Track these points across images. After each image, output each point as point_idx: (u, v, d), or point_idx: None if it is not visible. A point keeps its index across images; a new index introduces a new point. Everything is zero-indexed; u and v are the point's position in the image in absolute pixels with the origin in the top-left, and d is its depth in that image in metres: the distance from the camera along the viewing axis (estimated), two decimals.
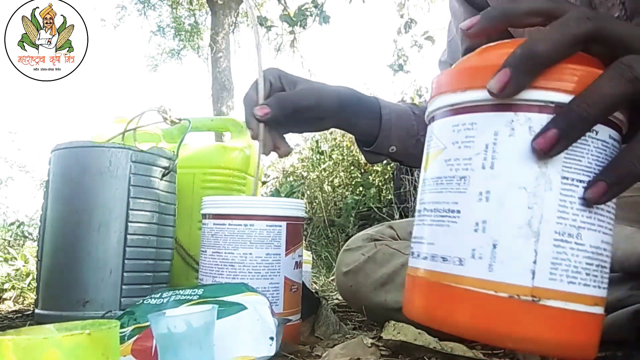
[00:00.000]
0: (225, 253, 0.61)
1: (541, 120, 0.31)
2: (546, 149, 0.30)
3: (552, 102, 0.31)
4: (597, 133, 0.31)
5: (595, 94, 0.30)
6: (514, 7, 0.34)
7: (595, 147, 0.31)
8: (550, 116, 0.30)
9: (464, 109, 0.33)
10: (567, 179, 0.30)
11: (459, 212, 0.32)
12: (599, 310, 0.31)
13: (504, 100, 0.31)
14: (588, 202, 0.30)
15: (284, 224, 0.62)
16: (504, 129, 0.31)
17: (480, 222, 0.31)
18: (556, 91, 0.31)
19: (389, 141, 0.75)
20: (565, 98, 0.30)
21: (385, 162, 3.47)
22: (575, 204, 0.30)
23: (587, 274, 0.30)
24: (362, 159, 3.62)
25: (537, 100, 0.31)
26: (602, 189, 0.30)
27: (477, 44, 0.67)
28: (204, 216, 0.65)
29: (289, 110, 0.65)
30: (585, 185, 0.30)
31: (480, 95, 0.32)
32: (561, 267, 0.30)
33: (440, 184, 0.33)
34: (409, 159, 0.79)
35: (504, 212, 0.30)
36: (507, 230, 0.30)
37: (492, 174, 0.31)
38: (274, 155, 0.67)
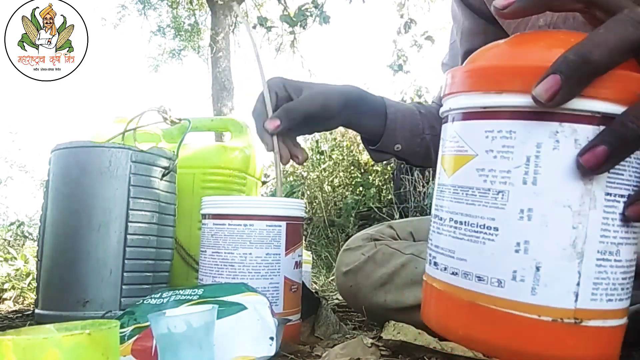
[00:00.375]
0: (225, 253, 0.61)
1: (587, 132, 0.28)
2: (594, 167, 0.27)
3: (598, 113, 0.28)
4: None
5: None
6: None
7: (635, 158, 0.29)
8: (597, 128, 0.28)
9: (500, 113, 0.30)
10: (611, 195, 0.29)
11: (496, 229, 0.30)
12: (625, 320, 0.31)
13: (549, 109, 0.28)
14: (628, 219, 0.29)
15: (283, 223, 0.62)
16: (547, 141, 0.29)
17: (522, 243, 0.29)
18: (605, 101, 0.28)
19: (394, 140, 0.75)
20: (615, 109, 0.28)
21: (386, 162, 3.47)
22: (616, 220, 0.29)
23: (622, 289, 0.30)
24: (362, 159, 3.62)
25: (584, 110, 0.28)
26: None
27: (476, 48, 0.67)
28: (204, 216, 0.65)
29: (299, 119, 0.66)
30: (625, 199, 0.29)
31: (520, 100, 0.29)
32: (601, 287, 0.29)
33: (471, 195, 0.31)
34: (415, 157, 0.79)
35: (547, 232, 0.29)
36: (551, 252, 0.29)
37: (534, 190, 0.29)
38: (273, 155, 0.68)
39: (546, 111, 0.29)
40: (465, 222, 0.31)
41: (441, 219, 0.34)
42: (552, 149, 0.29)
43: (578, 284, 0.29)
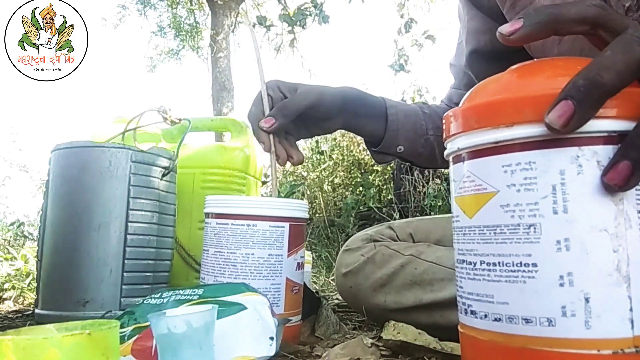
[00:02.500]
0: (227, 253, 0.61)
1: (607, 152, 0.28)
2: (620, 183, 0.27)
3: (615, 132, 0.28)
4: None
5: None
6: (563, 12, 0.31)
7: None
8: (616, 146, 0.28)
9: (514, 146, 0.30)
10: None
11: (535, 265, 0.29)
12: None
13: (564, 135, 0.28)
14: None
15: (286, 224, 0.62)
16: (570, 167, 0.28)
17: (566, 275, 0.28)
18: (619, 119, 0.28)
19: (396, 141, 0.75)
20: (630, 125, 0.28)
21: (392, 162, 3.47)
22: None
23: None
24: (362, 159, 3.62)
25: (601, 131, 0.28)
26: None
27: (482, 47, 0.67)
28: (207, 215, 0.65)
29: (293, 115, 0.65)
30: None
31: (533, 130, 0.29)
32: None
33: (500, 233, 0.30)
34: (418, 158, 0.79)
35: (589, 260, 0.28)
36: (597, 280, 0.28)
37: (567, 218, 0.28)
38: (270, 155, 0.68)
39: (563, 137, 0.28)
40: (499, 262, 0.30)
41: (470, 263, 0.32)
42: (577, 174, 0.28)
43: (631, 310, 0.28)
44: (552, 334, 0.28)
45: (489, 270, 0.31)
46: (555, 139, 0.28)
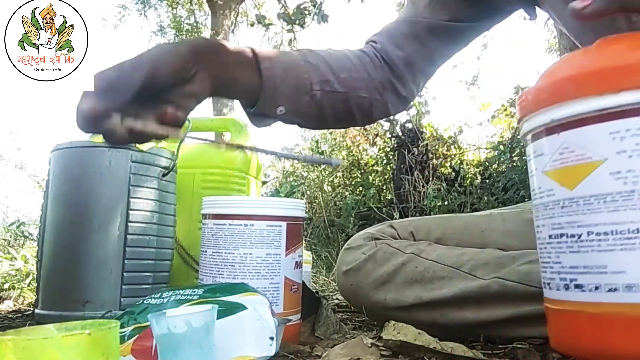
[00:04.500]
0: (225, 253, 0.61)
1: None
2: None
3: None
4: None
5: None
6: None
7: None
8: None
9: (623, 112, 0.29)
10: None
11: None
12: None
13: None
14: None
15: (284, 224, 0.62)
16: None
17: None
18: None
19: (276, 101, 0.61)
20: None
21: (386, 161, 3.45)
22: None
23: None
24: (362, 159, 3.62)
25: None
26: None
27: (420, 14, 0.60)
28: (204, 216, 0.65)
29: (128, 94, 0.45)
30: None
31: None
32: None
33: (612, 202, 0.29)
34: (305, 119, 0.67)
35: None
36: None
37: None
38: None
39: None
40: (612, 231, 0.30)
41: (573, 235, 0.31)
42: None
43: None
44: None
45: (600, 240, 0.30)
46: None
